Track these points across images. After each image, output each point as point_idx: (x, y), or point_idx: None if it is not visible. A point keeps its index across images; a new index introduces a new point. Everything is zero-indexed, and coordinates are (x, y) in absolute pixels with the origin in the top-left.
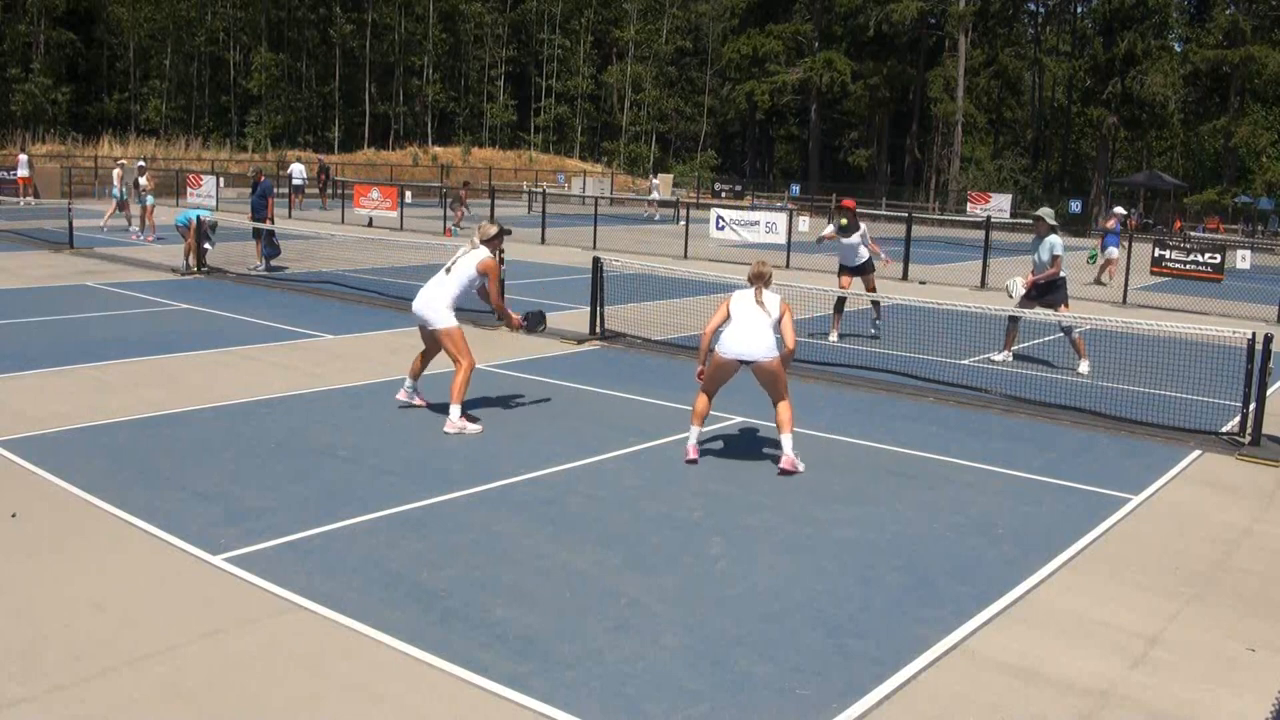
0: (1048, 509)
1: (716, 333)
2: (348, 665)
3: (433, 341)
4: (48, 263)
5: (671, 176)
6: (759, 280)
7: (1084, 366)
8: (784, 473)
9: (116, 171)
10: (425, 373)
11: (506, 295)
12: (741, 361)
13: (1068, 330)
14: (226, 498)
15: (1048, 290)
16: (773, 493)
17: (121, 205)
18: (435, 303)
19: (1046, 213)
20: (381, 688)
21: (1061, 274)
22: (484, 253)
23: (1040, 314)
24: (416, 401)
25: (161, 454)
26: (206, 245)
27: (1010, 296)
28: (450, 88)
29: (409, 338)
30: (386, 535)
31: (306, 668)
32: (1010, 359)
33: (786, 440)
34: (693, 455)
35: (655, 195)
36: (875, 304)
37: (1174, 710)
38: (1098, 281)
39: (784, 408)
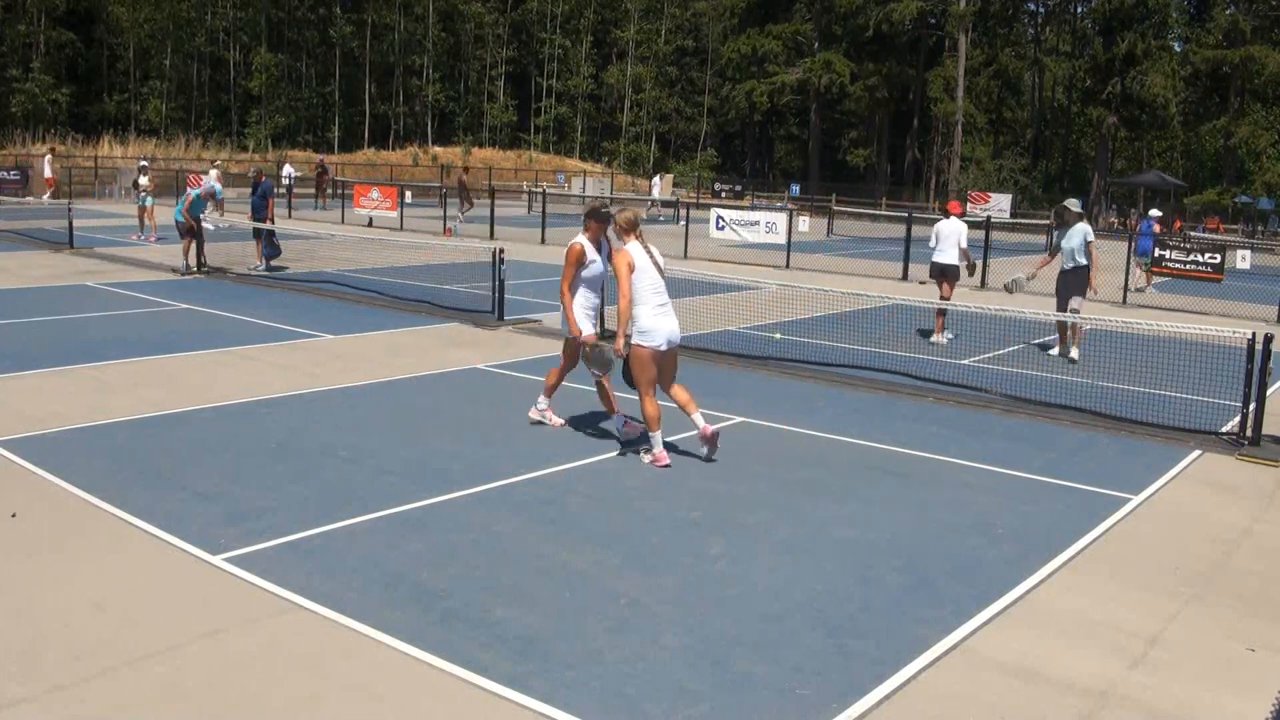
0: (1047, 509)
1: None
2: (348, 665)
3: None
4: (48, 263)
5: (671, 176)
6: (636, 229)
7: (1058, 350)
8: (712, 439)
9: (214, 172)
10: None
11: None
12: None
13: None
14: (226, 498)
15: (1075, 279)
16: (772, 493)
17: (218, 205)
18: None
19: (1073, 203)
20: (381, 688)
21: (1084, 263)
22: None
23: (1074, 309)
24: (551, 421)
25: (161, 454)
26: (206, 224)
27: (1010, 294)
28: (450, 88)
29: (409, 337)
30: (386, 535)
31: (306, 668)
32: (1076, 356)
33: (699, 416)
34: (666, 460)
35: (656, 195)
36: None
37: (1174, 710)
38: (1137, 289)
39: (683, 389)
